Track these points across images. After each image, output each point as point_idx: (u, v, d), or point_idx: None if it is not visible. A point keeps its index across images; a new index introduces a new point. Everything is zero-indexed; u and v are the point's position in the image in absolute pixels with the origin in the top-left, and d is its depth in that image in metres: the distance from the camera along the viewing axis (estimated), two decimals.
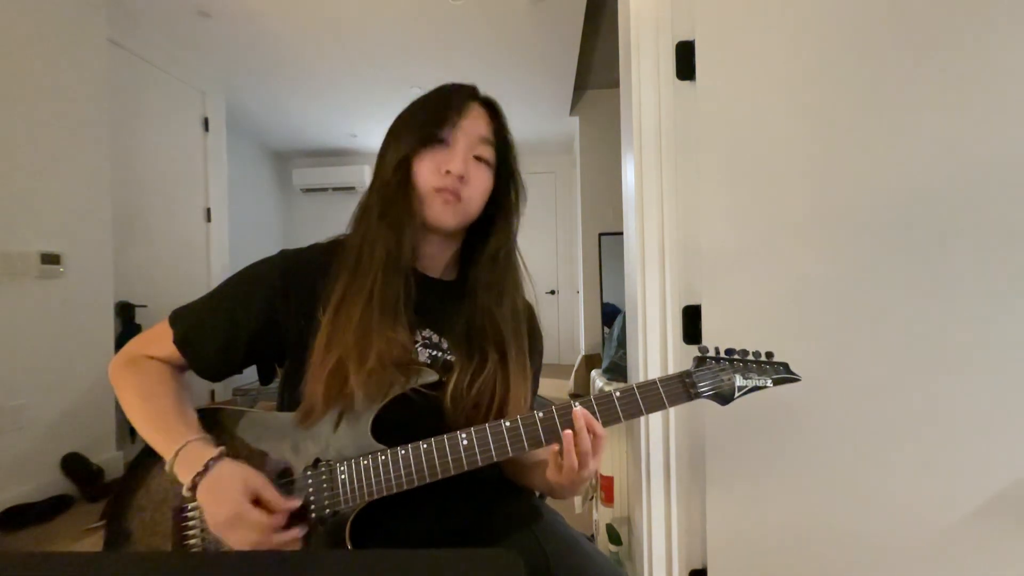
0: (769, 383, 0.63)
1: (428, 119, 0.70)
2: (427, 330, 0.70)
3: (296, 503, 0.59)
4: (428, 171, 0.68)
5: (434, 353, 0.70)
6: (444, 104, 0.70)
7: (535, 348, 0.79)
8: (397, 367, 0.63)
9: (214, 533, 0.57)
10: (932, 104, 0.92)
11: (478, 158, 0.70)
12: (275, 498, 0.58)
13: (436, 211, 0.68)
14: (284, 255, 0.72)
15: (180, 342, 0.67)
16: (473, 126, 0.70)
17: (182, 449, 0.59)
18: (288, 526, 0.58)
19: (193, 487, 0.58)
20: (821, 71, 0.97)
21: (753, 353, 0.65)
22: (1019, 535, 0.89)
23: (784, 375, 0.64)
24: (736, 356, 0.64)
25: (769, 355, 0.65)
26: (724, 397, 0.63)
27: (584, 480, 0.62)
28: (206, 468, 0.58)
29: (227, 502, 0.56)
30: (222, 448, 0.60)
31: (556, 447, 0.61)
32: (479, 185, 0.70)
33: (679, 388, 0.62)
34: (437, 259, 0.74)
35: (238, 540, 0.56)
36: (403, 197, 0.68)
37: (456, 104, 0.70)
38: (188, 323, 0.69)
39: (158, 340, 0.68)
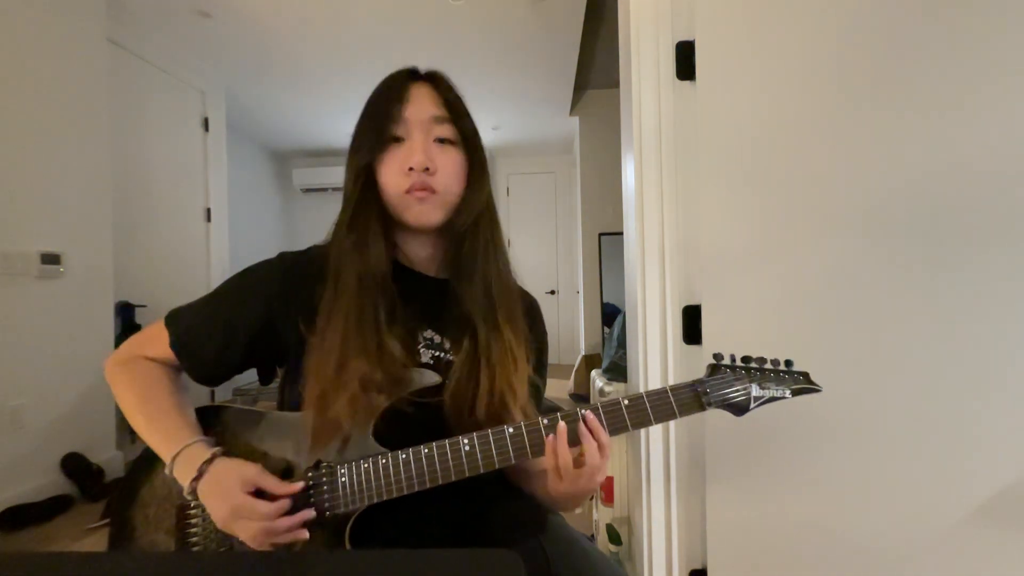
0: (788, 394, 0.59)
1: (374, 120, 0.66)
2: (428, 331, 0.70)
3: (297, 487, 0.59)
4: (392, 175, 0.65)
5: (437, 354, 0.69)
6: (386, 98, 0.66)
7: (538, 339, 0.77)
8: (391, 380, 0.62)
9: (223, 530, 0.58)
10: (933, 103, 0.92)
11: (440, 140, 0.66)
12: (274, 485, 0.58)
13: (415, 212, 0.66)
14: (283, 258, 0.71)
15: (176, 345, 0.66)
16: (420, 109, 0.66)
17: (180, 453, 0.59)
18: (294, 512, 0.58)
19: (192, 491, 0.58)
20: (821, 71, 0.97)
21: (771, 361, 0.61)
22: (1020, 536, 0.89)
23: (804, 385, 0.60)
24: (753, 364, 0.60)
25: (788, 363, 0.61)
26: (739, 408, 0.59)
27: (588, 492, 0.61)
28: (200, 473, 0.58)
29: (226, 498, 0.56)
30: (215, 450, 0.60)
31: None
32: (450, 168, 0.67)
33: (691, 397, 0.59)
34: (432, 258, 0.73)
35: (245, 532, 0.56)
36: (368, 210, 0.66)
37: (397, 94, 0.66)
38: (184, 326, 0.67)
39: (154, 341, 0.67)
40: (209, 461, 0.58)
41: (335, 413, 0.59)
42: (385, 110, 0.66)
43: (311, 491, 0.60)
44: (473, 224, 0.69)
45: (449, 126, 0.67)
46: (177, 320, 0.68)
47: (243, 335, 0.67)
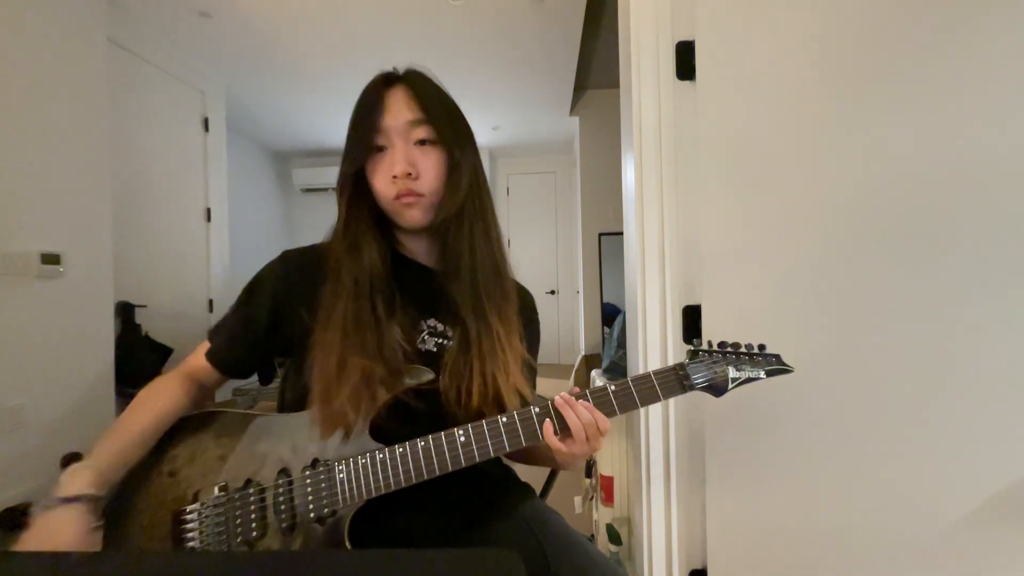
0: (762, 374, 0.64)
1: (357, 132, 0.69)
2: (432, 319, 0.72)
3: None
4: (381, 183, 0.69)
5: (440, 342, 0.71)
6: (365, 109, 0.69)
7: (531, 331, 0.78)
8: (392, 372, 0.64)
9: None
10: (933, 103, 0.92)
11: (421, 142, 0.68)
12: None
13: (405, 217, 0.69)
14: (284, 256, 0.74)
15: (211, 353, 0.73)
16: (397, 116, 0.68)
17: (74, 468, 0.61)
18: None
19: (50, 501, 0.56)
20: (821, 71, 0.97)
21: (746, 346, 0.66)
22: (1020, 535, 0.89)
23: (777, 366, 0.64)
24: (729, 349, 0.65)
25: (761, 347, 0.66)
26: (718, 389, 0.63)
27: (588, 454, 0.63)
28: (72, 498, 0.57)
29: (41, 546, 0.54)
30: (80, 499, 0.57)
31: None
32: (432, 170, 0.69)
33: (673, 380, 0.63)
34: (429, 250, 0.75)
35: None
36: (360, 215, 0.70)
37: (374, 103, 0.68)
38: (218, 335, 0.74)
39: (196, 352, 0.74)
40: (43, 508, 0.56)
41: (340, 404, 0.61)
42: (365, 121, 0.68)
43: (310, 496, 0.60)
44: (456, 219, 0.70)
45: (427, 127, 0.68)
46: (214, 330, 0.75)
47: (262, 331, 0.71)
